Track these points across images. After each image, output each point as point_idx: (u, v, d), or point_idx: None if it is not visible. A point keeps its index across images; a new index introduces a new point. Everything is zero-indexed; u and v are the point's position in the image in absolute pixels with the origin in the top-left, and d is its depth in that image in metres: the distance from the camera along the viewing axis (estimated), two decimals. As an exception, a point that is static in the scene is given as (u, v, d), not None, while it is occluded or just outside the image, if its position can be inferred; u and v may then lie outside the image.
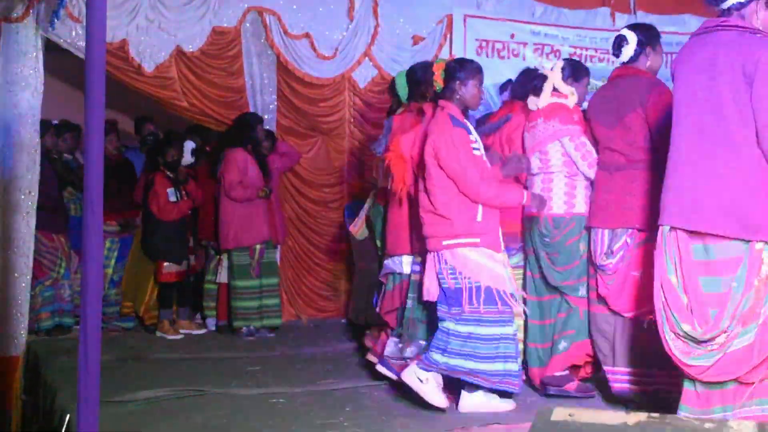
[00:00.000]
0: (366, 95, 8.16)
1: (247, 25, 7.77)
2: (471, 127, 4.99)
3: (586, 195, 5.28)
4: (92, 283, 3.39)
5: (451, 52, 8.25)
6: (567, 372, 5.33)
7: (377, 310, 5.87)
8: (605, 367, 5.11)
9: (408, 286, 5.53)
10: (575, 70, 5.49)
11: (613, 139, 5.05)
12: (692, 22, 8.95)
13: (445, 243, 4.85)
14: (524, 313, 5.29)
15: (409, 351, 5.36)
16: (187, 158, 7.77)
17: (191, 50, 7.53)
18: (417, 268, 5.39)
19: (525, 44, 8.55)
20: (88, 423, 3.42)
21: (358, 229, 6.46)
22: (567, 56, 8.55)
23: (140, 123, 8.59)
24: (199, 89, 7.62)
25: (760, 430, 2.63)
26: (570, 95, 5.39)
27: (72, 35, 6.93)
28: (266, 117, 7.88)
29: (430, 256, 4.98)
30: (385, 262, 5.78)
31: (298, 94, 8.00)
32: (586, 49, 8.71)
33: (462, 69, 5.00)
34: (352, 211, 8.28)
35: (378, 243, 6.10)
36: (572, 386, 5.28)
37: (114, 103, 6.55)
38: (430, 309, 5.21)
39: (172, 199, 7.63)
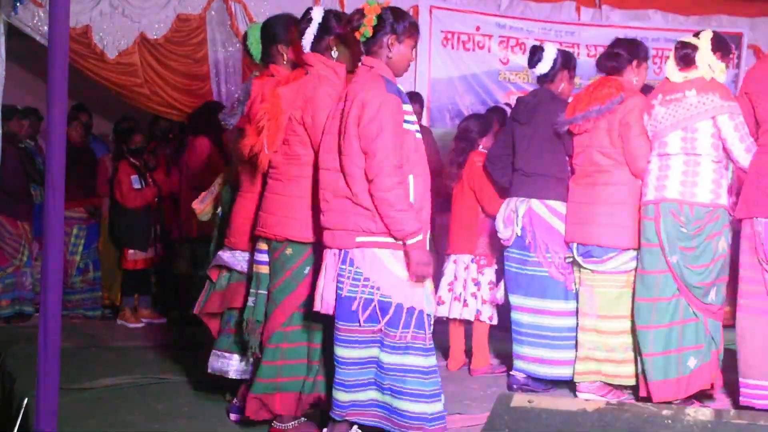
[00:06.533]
0: (331, 85, 8.14)
1: (213, 12, 7.73)
2: (405, 96, 3.86)
3: (727, 186, 4.68)
4: (52, 268, 3.37)
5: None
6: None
7: (195, 310, 4.70)
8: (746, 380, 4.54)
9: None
10: (722, 46, 4.74)
11: None
12: (656, 18, 9.05)
13: (359, 240, 3.73)
14: (632, 318, 4.70)
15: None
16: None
17: (155, 37, 7.48)
18: (263, 257, 4.24)
19: (490, 36, 8.59)
20: (47, 409, 3.40)
21: (204, 207, 5.05)
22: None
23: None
24: (162, 77, 7.57)
25: (716, 417, 2.68)
26: (719, 73, 4.69)
27: (34, 20, 6.87)
28: (232, 105, 7.85)
29: (329, 254, 3.84)
30: (220, 253, 4.62)
31: (263, 83, 7.96)
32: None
33: (401, 21, 3.88)
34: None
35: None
36: None
37: (76, 94, 6.48)
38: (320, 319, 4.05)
39: (136, 186, 7.59)
